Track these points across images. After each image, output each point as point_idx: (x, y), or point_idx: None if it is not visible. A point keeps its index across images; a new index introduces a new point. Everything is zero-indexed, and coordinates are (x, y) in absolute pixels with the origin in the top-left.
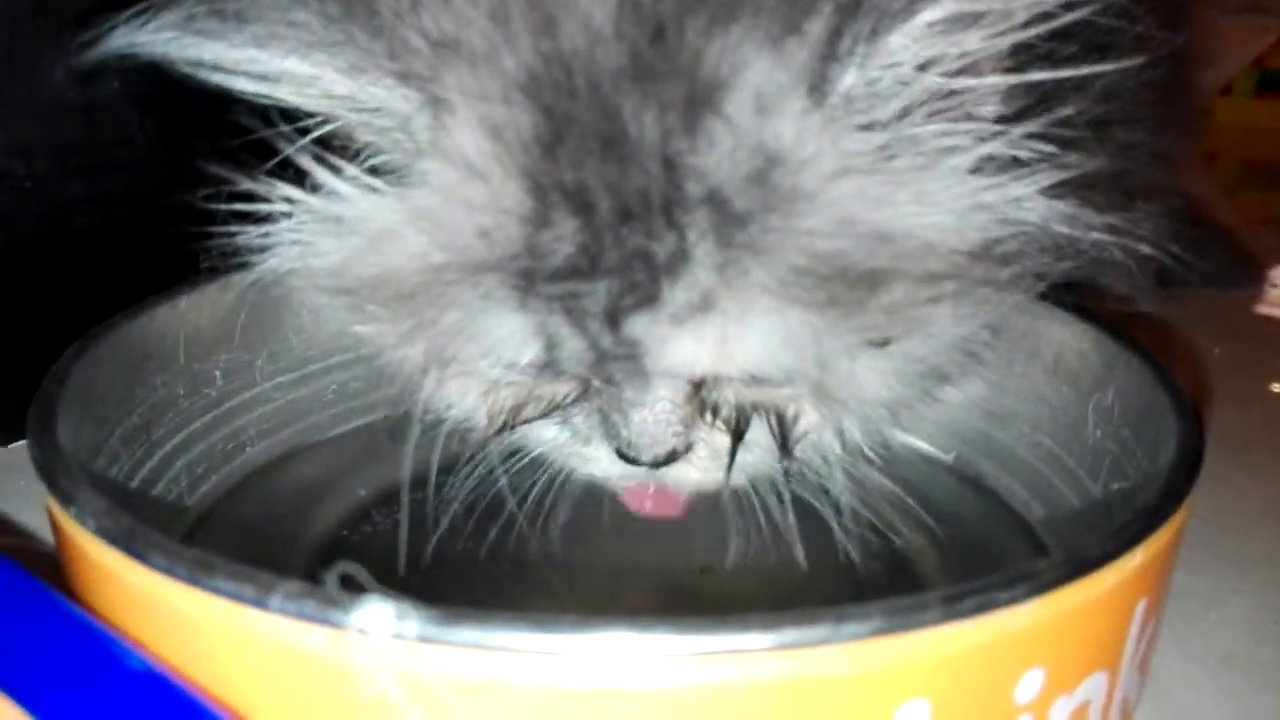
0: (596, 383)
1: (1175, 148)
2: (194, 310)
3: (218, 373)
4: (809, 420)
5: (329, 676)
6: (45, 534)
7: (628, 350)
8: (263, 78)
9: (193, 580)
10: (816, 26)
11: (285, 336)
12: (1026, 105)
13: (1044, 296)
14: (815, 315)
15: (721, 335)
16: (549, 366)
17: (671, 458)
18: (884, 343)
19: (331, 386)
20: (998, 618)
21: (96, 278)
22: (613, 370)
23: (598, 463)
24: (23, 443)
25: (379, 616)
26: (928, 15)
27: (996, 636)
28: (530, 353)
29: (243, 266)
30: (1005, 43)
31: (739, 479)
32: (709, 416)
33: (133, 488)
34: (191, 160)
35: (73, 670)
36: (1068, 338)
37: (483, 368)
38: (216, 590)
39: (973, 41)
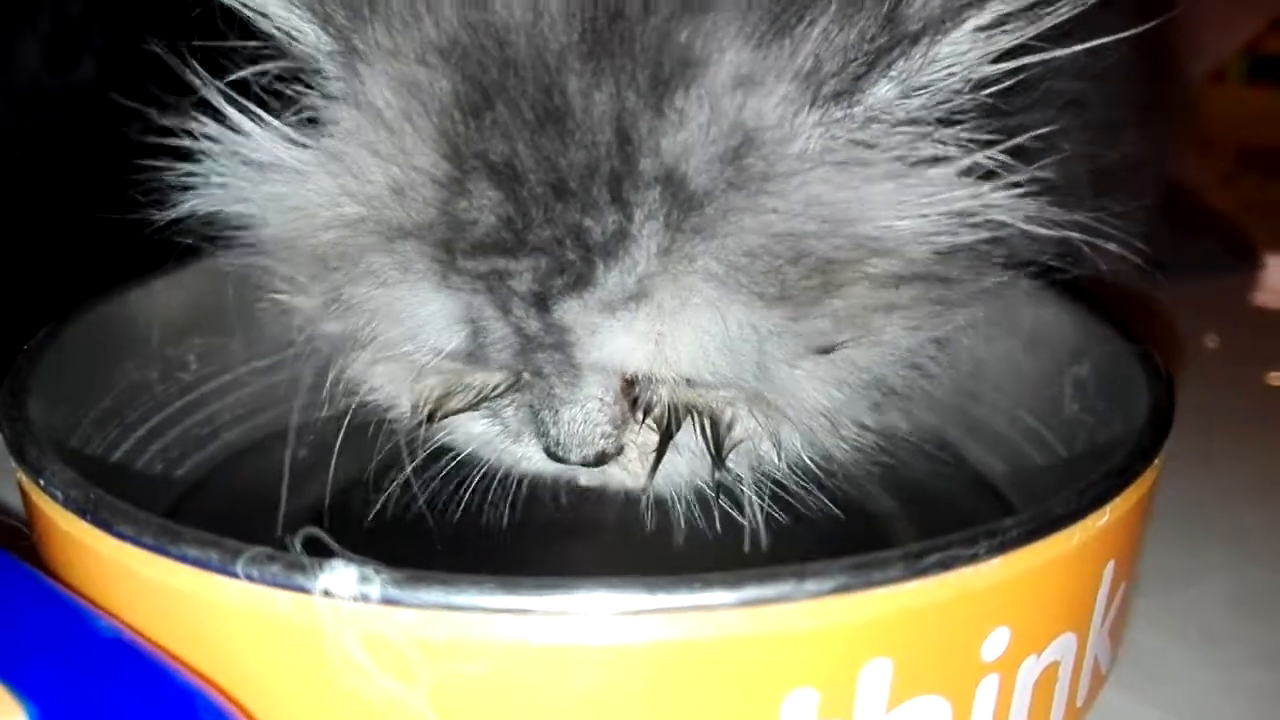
0: (526, 375)
1: (1161, 137)
2: (167, 294)
3: (191, 357)
4: (745, 427)
5: (296, 640)
6: (19, 511)
7: (556, 338)
8: None
9: (159, 548)
10: (819, 28)
11: (260, 321)
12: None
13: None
14: (759, 313)
15: (656, 332)
16: (475, 355)
17: (601, 459)
18: (828, 350)
19: None
20: (961, 575)
21: (74, 267)
22: (540, 361)
23: (529, 461)
24: None
25: (343, 579)
26: (974, 22)
27: (960, 594)
28: (455, 340)
29: (165, 205)
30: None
31: (669, 487)
32: (640, 415)
33: (109, 465)
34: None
35: (44, 639)
36: (1044, 311)
37: (407, 351)
38: (183, 558)
39: (1013, 39)
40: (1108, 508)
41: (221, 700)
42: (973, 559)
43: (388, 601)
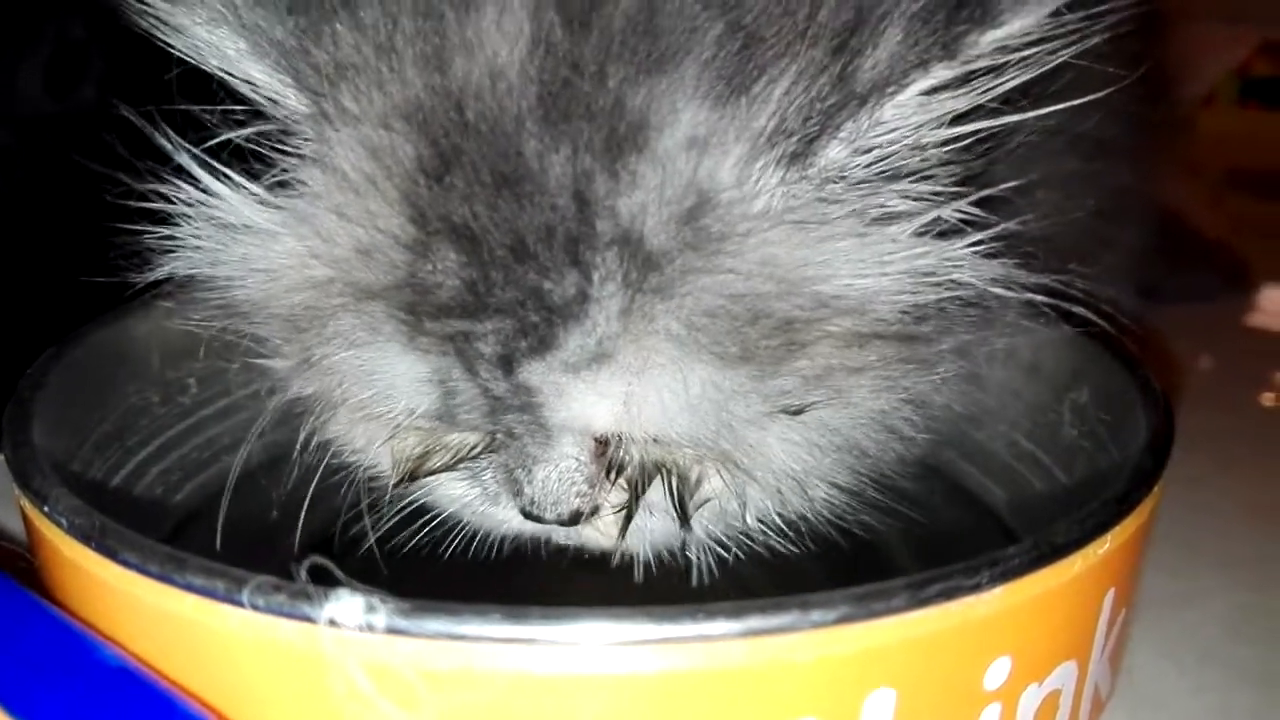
0: (500, 436)
1: (1154, 163)
2: (167, 318)
3: (191, 381)
4: (713, 485)
5: (301, 669)
6: (19, 537)
7: (523, 400)
8: (186, 39)
9: (164, 577)
10: (776, 90)
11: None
12: (972, 165)
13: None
14: (722, 373)
15: (623, 392)
16: (446, 416)
17: (576, 519)
18: (798, 411)
19: None
20: (963, 605)
21: (74, 291)
22: (511, 422)
23: (507, 523)
24: None
25: (348, 609)
26: (919, 85)
27: (962, 623)
28: (426, 401)
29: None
30: (987, 99)
31: (640, 545)
32: (612, 475)
33: (109, 489)
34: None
35: (48, 667)
36: (1044, 337)
37: (380, 413)
38: (188, 586)
39: (958, 105)
40: (1108, 535)
41: None
42: (975, 588)
43: (393, 631)
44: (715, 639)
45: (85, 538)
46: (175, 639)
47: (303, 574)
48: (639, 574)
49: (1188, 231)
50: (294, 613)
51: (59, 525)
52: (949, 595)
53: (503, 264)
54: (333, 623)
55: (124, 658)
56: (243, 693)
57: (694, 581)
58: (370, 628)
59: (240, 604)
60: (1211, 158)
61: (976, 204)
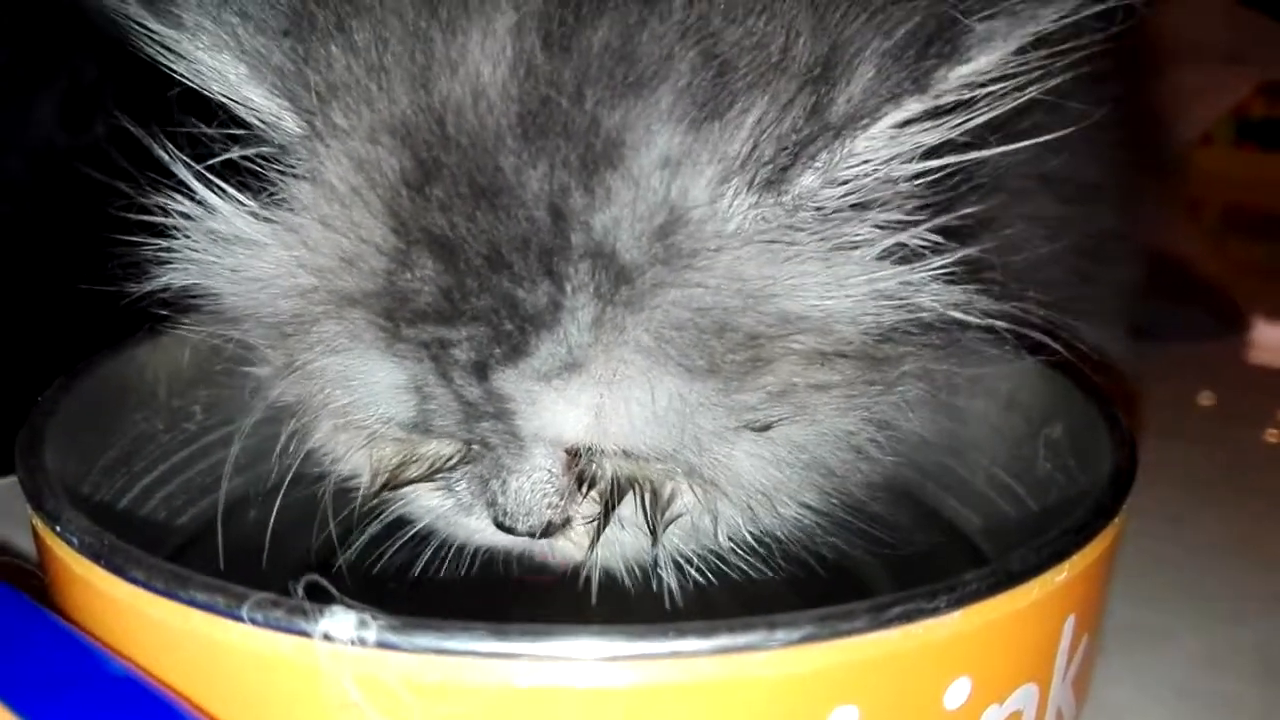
0: (475, 446)
1: (1144, 206)
2: (175, 347)
3: (197, 408)
4: (685, 501)
5: (297, 681)
6: (30, 555)
7: (497, 407)
8: (189, 64)
9: (169, 593)
10: (749, 118)
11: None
12: (941, 197)
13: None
14: (689, 385)
15: (592, 403)
16: (422, 425)
17: (547, 530)
18: (765, 428)
19: None
20: (923, 627)
21: (84, 320)
22: (485, 430)
23: (481, 534)
24: (10, 479)
25: (342, 624)
26: (891, 118)
27: (922, 645)
28: (403, 409)
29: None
30: (957, 133)
31: (612, 559)
32: (585, 488)
33: (117, 511)
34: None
35: (58, 677)
36: (1021, 373)
37: (359, 419)
38: (191, 602)
39: (928, 138)
40: (1066, 564)
41: None
42: (934, 611)
43: (383, 646)
44: (687, 655)
45: (95, 556)
46: (178, 651)
47: (299, 591)
48: (594, 591)
49: (1182, 271)
50: (290, 627)
51: (70, 544)
52: (909, 618)
53: (478, 272)
54: (327, 637)
55: (130, 669)
56: (241, 702)
57: (668, 605)
58: (362, 642)
59: (240, 619)
60: (1208, 199)
61: (942, 233)
